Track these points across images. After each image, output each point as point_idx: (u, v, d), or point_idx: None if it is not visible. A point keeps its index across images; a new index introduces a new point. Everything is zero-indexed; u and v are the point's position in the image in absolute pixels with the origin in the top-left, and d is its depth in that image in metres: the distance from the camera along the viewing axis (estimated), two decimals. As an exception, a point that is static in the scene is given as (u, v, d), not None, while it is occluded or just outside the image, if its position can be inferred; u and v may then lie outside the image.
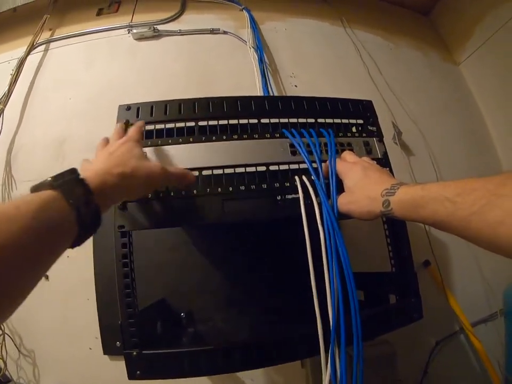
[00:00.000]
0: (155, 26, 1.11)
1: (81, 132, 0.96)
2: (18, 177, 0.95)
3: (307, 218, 0.48)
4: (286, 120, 0.58)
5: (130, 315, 0.48)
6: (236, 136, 0.54)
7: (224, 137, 0.54)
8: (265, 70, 1.02)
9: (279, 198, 0.51)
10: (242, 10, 1.19)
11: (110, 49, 1.11)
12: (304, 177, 0.52)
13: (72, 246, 0.33)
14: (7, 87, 1.01)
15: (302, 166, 0.54)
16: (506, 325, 0.99)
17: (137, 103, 0.58)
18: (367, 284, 0.68)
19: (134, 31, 1.10)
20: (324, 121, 0.59)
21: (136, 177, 0.41)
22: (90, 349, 0.79)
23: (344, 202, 0.49)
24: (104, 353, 0.75)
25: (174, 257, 0.74)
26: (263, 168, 0.52)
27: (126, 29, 1.13)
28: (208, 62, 1.09)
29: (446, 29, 1.48)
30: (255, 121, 0.56)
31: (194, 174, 0.50)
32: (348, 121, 0.61)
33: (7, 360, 0.80)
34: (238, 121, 0.55)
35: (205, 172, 0.51)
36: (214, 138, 0.53)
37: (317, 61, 1.18)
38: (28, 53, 1.09)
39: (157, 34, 1.11)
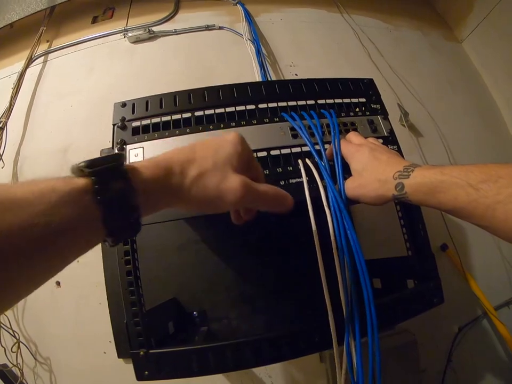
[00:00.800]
0: (150, 28, 1.10)
1: (84, 138, 0.97)
2: (23, 179, 0.95)
3: (313, 202, 0.46)
4: (284, 104, 0.56)
5: (135, 314, 0.47)
6: (233, 124, 0.52)
7: (222, 125, 0.52)
8: (264, 61, 1.00)
9: (282, 183, 0.49)
10: (236, 5, 1.18)
11: (107, 54, 1.11)
12: (307, 160, 0.50)
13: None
14: (9, 100, 1.02)
15: (304, 149, 0.52)
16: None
17: (132, 99, 0.57)
18: (383, 270, 0.66)
19: (130, 34, 1.10)
20: (324, 102, 0.57)
21: (199, 192, 0.30)
22: (104, 353, 0.79)
23: (352, 186, 0.47)
24: (119, 357, 0.74)
25: (183, 256, 0.72)
26: (264, 154, 0.51)
27: (121, 34, 1.13)
28: (206, 58, 1.08)
29: (445, 6, 1.44)
30: (253, 107, 0.55)
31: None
32: (350, 101, 0.58)
33: (23, 368, 0.80)
34: (235, 108, 0.54)
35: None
36: (211, 127, 0.52)
37: (316, 48, 1.16)
38: (27, 65, 1.11)
39: (153, 36, 1.10)
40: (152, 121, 0.53)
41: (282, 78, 1.08)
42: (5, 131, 0.98)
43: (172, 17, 1.16)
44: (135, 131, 0.53)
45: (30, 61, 1.13)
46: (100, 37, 1.14)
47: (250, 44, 1.05)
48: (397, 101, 1.09)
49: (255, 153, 0.50)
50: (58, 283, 0.85)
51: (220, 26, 1.13)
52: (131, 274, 0.48)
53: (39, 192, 0.21)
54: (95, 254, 0.77)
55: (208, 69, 1.06)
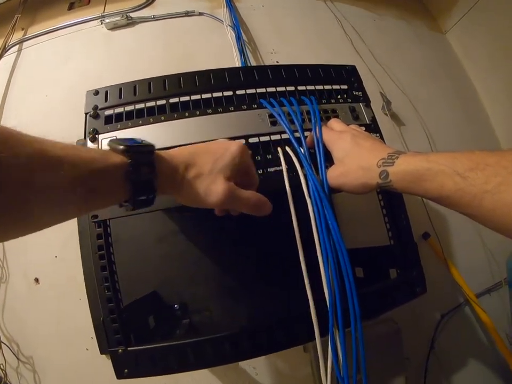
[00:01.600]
0: (128, 14, 1.06)
1: (60, 129, 0.93)
2: None
3: (292, 191, 0.45)
4: (263, 90, 0.54)
5: (111, 310, 0.45)
6: (210, 111, 0.50)
7: (198, 112, 0.50)
8: (244, 47, 0.98)
9: (260, 171, 0.47)
10: (217, -10, 1.14)
11: (83, 42, 1.07)
12: (287, 148, 0.48)
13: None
14: (-18, 91, 0.98)
15: (284, 136, 0.50)
16: (511, 294, 0.97)
17: (105, 87, 0.54)
18: (366, 259, 0.65)
19: (107, 20, 1.06)
20: (304, 88, 0.55)
21: (192, 190, 0.36)
22: (87, 349, 0.77)
23: (334, 175, 0.45)
24: (101, 353, 0.73)
25: (162, 248, 0.70)
26: (242, 141, 0.49)
27: (99, 20, 1.09)
28: (186, 44, 1.05)
29: (429, -4, 1.43)
30: (230, 93, 0.52)
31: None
32: (331, 87, 0.57)
33: (6, 368, 0.78)
34: (212, 94, 0.52)
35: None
36: (186, 114, 0.50)
37: (298, 35, 1.14)
38: (1, 55, 1.06)
39: (131, 22, 1.07)
40: (126, 109, 0.51)
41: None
42: (-22, 123, 0.95)
43: (150, 3, 1.12)
44: (108, 120, 0.50)
45: (3, 50, 1.08)
46: (77, 24, 1.09)
47: (231, 30, 1.03)
48: (380, 89, 1.09)
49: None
50: (37, 280, 0.83)
51: (199, 12, 1.10)
52: (106, 269, 0.46)
53: (82, 159, 0.28)
54: (73, 249, 0.75)
55: (188, 56, 1.03)
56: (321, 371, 0.42)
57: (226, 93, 0.52)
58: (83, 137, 0.71)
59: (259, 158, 0.48)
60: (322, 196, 0.43)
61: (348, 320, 0.42)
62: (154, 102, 0.51)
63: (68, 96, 0.97)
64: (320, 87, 0.56)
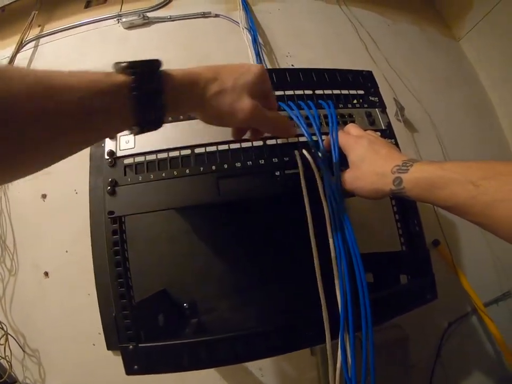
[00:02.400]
0: (144, 13, 1.07)
1: (75, 125, 0.94)
2: None
3: (309, 193, 0.45)
4: (281, 93, 0.54)
5: (124, 306, 0.45)
6: (229, 112, 0.50)
7: (217, 112, 0.50)
8: (260, 50, 0.98)
9: (277, 173, 0.47)
10: (233, -8, 1.15)
11: (100, 40, 1.08)
12: (304, 151, 0.48)
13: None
14: (-2, 86, 0.99)
15: (301, 139, 0.50)
16: (519, 304, 0.96)
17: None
18: (376, 265, 0.65)
19: (124, 20, 1.07)
20: (322, 92, 0.56)
21: (217, 106, 0.35)
22: (93, 345, 0.78)
23: (349, 178, 0.45)
24: (108, 349, 0.73)
25: (174, 246, 0.71)
26: (260, 143, 0.49)
27: (115, 19, 1.10)
28: (201, 46, 1.06)
29: (444, 3, 1.43)
30: (249, 95, 0.53)
31: (186, 153, 0.47)
32: (348, 92, 0.57)
33: (11, 360, 0.79)
34: (231, 96, 0.52)
35: (197, 150, 0.48)
36: (205, 114, 0.50)
37: (313, 39, 1.14)
38: (17, 50, 1.08)
39: (147, 22, 1.07)
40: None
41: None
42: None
43: (167, 3, 1.13)
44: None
45: (20, 45, 1.10)
46: (93, 22, 1.11)
47: (247, 33, 1.03)
48: (393, 95, 1.08)
49: (250, 143, 0.49)
50: (46, 273, 0.84)
51: (216, 14, 1.10)
52: (120, 265, 0.47)
53: (87, 82, 0.28)
54: (84, 245, 0.76)
55: (203, 57, 1.03)
56: (329, 374, 0.42)
57: (245, 95, 0.52)
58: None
59: (276, 160, 0.48)
60: (338, 199, 0.44)
61: (358, 325, 0.42)
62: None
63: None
64: (337, 92, 0.57)
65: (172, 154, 0.48)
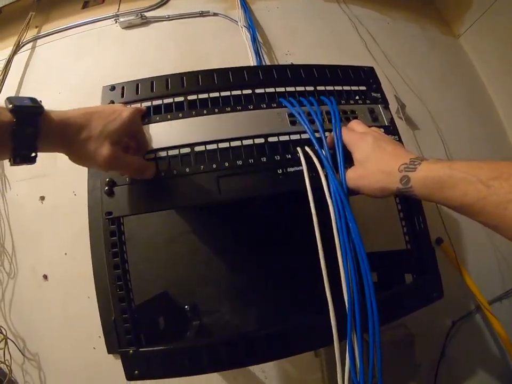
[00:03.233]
0: (142, 13, 1.07)
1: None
2: (11, 177, 0.93)
3: (313, 192, 0.44)
4: (282, 89, 0.53)
5: (123, 310, 0.44)
6: (228, 109, 0.49)
7: (216, 110, 0.49)
8: (259, 48, 0.98)
9: (280, 171, 0.46)
10: (231, -9, 1.14)
11: (98, 40, 1.08)
12: (307, 148, 0.47)
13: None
14: (-4, 87, 0.99)
15: (304, 136, 0.49)
16: (523, 302, 0.95)
17: (121, 83, 0.54)
18: (380, 264, 0.64)
19: (121, 19, 1.06)
20: (323, 88, 0.54)
21: (82, 152, 0.39)
22: (94, 348, 0.77)
23: (353, 176, 0.44)
24: (109, 353, 0.72)
25: (174, 248, 0.70)
26: (261, 141, 0.48)
27: (113, 19, 1.10)
28: (200, 44, 1.06)
29: (443, 1, 1.42)
30: (249, 91, 0.52)
31: (186, 151, 0.46)
32: (350, 88, 0.56)
33: (11, 365, 0.78)
34: (231, 92, 0.51)
35: (197, 148, 0.47)
36: (205, 112, 0.49)
37: (313, 37, 1.14)
38: (14, 52, 1.08)
39: (145, 21, 1.07)
40: (143, 105, 0.50)
41: (278, 66, 1.05)
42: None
43: (165, 2, 1.12)
44: (125, 116, 0.50)
45: (18, 47, 1.09)
46: (91, 22, 1.11)
47: (246, 31, 1.03)
48: (394, 92, 1.08)
49: (252, 140, 0.48)
50: (45, 276, 0.83)
51: (214, 13, 1.10)
52: (119, 267, 0.45)
53: None
54: (83, 247, 0.75)
55: (202, 56, 1.03)
56: (338, 375, 0.41)
57: (245, 91, 0.52)
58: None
59: (278, 158, 0.47)
60: (343, 198, 0.42)
61: (366, 325, 0.41)
62: (172, 99, 0.50)
63: (81, 93, 0.97)
64: (339, 88, 0.56)
65: (171, 152, 0.47)
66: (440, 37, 1.35)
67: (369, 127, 0.49)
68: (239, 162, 0.46)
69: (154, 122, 0.49)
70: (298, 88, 0.54)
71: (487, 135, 1.19)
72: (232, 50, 1.04)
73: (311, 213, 0.42)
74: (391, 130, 0.55)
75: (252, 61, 0.97)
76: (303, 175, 0.45)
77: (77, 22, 1.11)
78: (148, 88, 0.52)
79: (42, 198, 0.88)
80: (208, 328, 0.63)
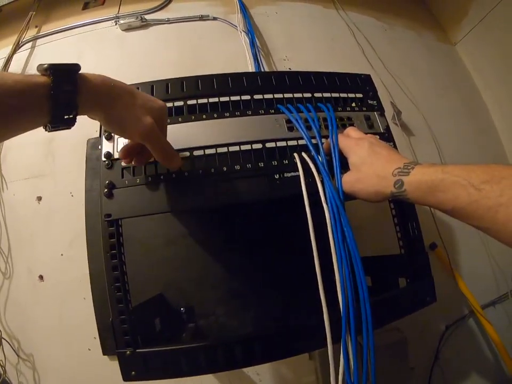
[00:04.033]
0: (142, 16, 1.07)
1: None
2: (8, 177, 0.92)
3: (309, 197, 0.45)
4: (280, 96, 0.54)
5: (121, 311, 0.45)
6: (227, 114, 0.50)
7: (215, 115, 0.50)
8: (258, 53, 0.99)
9: (277, 176, 0.47)
10: (231, -4, 1.15)
11: (97, 42, 1.07)
12: (304, 154, 0.48)
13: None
14: (-6, 86, 0.99)
15: (301, 142, 0.50)
16: (516, 306, 0.97)
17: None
18: (374, 268, 0.65)
19: (121, 22, 1.06)
20: (321, 95, 0.56)
21: (121, 115, 0.38)
22: (89, 349, 0.77)
23: (349, 180, 0.45)
24: (104, 354, 0.72)
25: (171, 250, 0.70)
26: (259, 146, 0.49)
27: (113, 21, 1.10)
28: (199, 48, 1.06)
29: (440, 8, 1.44)
30: (248, 97, 0.53)
31: (185, 155, 0.47)
32: (347, 95, 0.57)
33: (6, 365, 0.78)
34: (230, 98, 0.52)
35: (196, 152, 0.47)
36: (204, 116, 0.50)
37: (311, 43, 1.15)
38: (14, 51, 1.07)
39: (145, 24, 1.07)
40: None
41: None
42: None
43: (165, 5, 1.13)
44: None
45: (17, 46, 1.09)
46: (91, 24, 1.10)
47: (245, 36, 1.03)
48: (390, 99, 1.09)
49: (249, 145, 0.49)
50: (41, 277, 0.83)
51: (214, 17, 1.10)
52: (117, 269, 0.46)
53: (5, 82, 0.29)
54: (80, 248, 0.75)
55: (201, 60, 1.03)
56: (331, 378, 0.42)
57: (244, 97, 0.52)
58: (94, 136, 0.72)
59: (276, 163, 0.48)
60: (339, 203, 0.43)
61: (360, 328, 0.41)
62: (172, 103, 0.51)
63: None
64: (336, 95, 0.57)
65: (170, 156, 0.47)
66: (437, 44, 1.37)
67: (366, 134, 0.50)
68: (237, 167, 0.47)
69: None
70: (296, 95, 0.55)
71: (482, 142, 1.21)
72: (231, 54, 1.04)
73: (307, 216, 0.43)
74: (386, 137, 0.56)
75: (250, 66, 0.98)
76: (300, 180, 0.46)
77: (77, 23, 1.11)
78: (148, 92, 0.52)
79: (39, 199, 0.87)
80: (203, 330, 0.64)
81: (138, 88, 0.53)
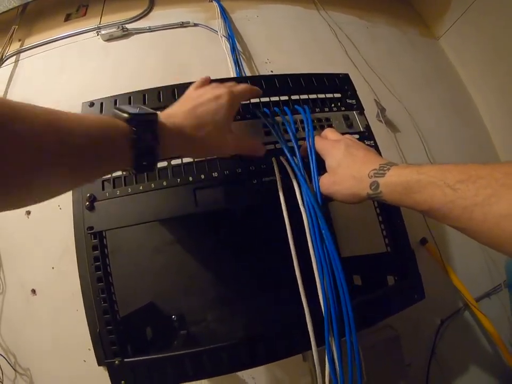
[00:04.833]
0: (124, 25, 1.07)
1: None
2: None
3: (286, 201, 0.45)
4: (257, 100, 0.54)
5: (108, 322, 0.45)
6: (204, 121, 0.50)
7: (192, 123, 0.50)
8: (239, 58, 0.99)
9: (255, 181, 0.47)
10: (212, 1, 1.16)
11: (80, 53, 1.08)
12: (282, 158, 0.48)
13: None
14: (-22, 102, 0.98)
15: (278, 146, 0.50)
16: (511, 297, 0.97)
17: (100, 98, 0.54)
18: (363, 267, 0.65)
19: (103, 32, 1.07)
20: (298, 98, 0.56)
21: (206, 146, 0.42)
22: (84, 361, 0.76)
23: (326, 183, 0.45)
24: (99, 365, 0.72)
25: (159, 258, 0.70)
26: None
27: (95, 31, 1.10)
28: (181, 55, 1.06)
29: (422, 3, 1.45)
30: (224, 103, 0.53)
31: (163, 165, 0.47)
32: (325, 96, 0.57)
33: (3, 380, 0.78)
34: (205, 105, 0.52)
35: (174, 162, 0.48)
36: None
37: (292, 45, 1.15)
38: (-2, 66, 1.07)
39: (126, 33, 1.08)
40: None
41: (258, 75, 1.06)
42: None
43: (146, 14, 1.13)
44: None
45: (0, 61, 1.09)
46: (73, 35, 1.10)
47: (225, 41, 1.04)
48: (374, 97, 1.09)
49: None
50: (33, 291, 0.82)
51: (194, 23, 1.11)
52: (102, 280, 0.46)
53: (93, 129, 0.31)
54: (70, 260, 0.75)
55: (183, 67, 1.04)
56: (318, 380, 0.42)
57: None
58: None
59: (253, 168, 0.48)
60: (315, 206, 0.43)
61: (344, 329, 0.42)
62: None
63: (64, 106, 0.96)
64: (314, 96, 0.57)
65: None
66: (420, 39, 1.38)
67: (344, 134, 0.50)
68: (215, 174, 0.47)
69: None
70: (273, 98, 0.55)
71: (468, 136, 1.21)
72: (212, 60, 1.05)
73: (285, 220, 0.44)
74: (366, 136, 0.56)
75: (231, 70, 0.98)
76: (277, 185, 0.46)
77: (59, 35, 1.11)
78: (126, 103, 0.53)
79: (28, 213, 0.87)
80: (195, 337, 0.64)
81: (115, 101, 0.53)
